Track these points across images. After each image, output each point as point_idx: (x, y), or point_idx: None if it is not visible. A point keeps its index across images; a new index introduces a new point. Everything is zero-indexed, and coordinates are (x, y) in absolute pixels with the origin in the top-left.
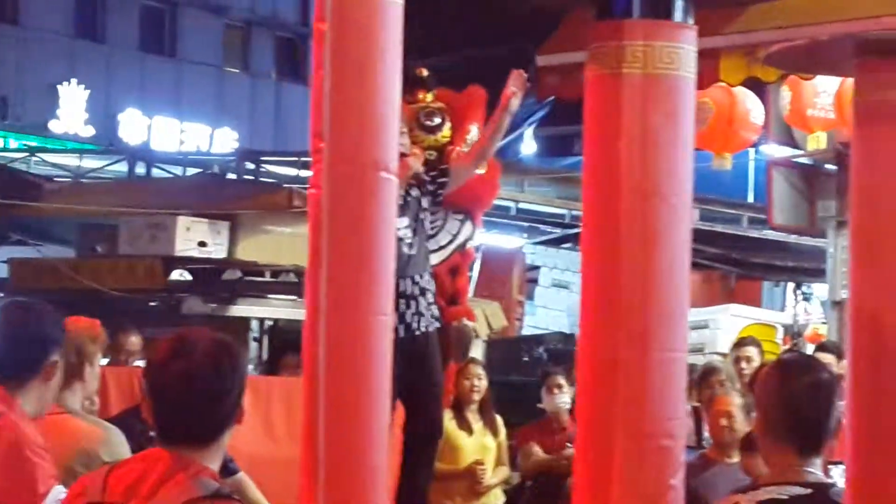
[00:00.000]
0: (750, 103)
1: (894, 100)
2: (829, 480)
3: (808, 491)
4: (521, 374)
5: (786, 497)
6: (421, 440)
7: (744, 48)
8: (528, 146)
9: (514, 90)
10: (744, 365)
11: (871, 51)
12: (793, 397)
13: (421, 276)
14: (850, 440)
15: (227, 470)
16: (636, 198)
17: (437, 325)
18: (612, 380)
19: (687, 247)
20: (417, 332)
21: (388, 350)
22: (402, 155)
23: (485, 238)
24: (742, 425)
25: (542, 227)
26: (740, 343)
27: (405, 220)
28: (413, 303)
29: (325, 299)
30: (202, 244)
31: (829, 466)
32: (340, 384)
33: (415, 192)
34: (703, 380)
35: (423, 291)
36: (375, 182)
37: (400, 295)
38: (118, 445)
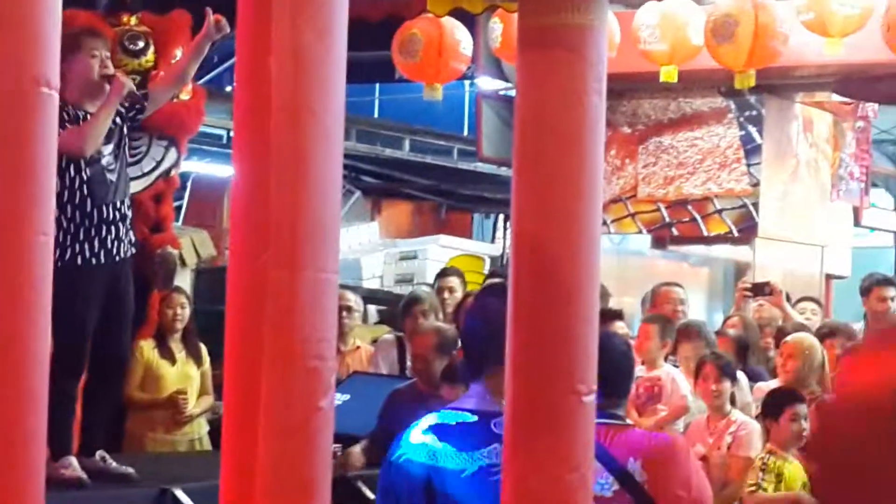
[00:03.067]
0: (459, 34)
1: (554, 24)
2: (496, 409)
3: (475, 418)
4: None
5: (453, 423)
6: (108, 366)
7: None
8: None
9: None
10: (446, 295)
11: None
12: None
13: (122, 203)
14: (509, 361)
15: None
16: (286, 115)
17: (134, 250)
18: (261, 301)
19: (338, 165)
20: (117, 258)
21: (49, 270)
22: (110, 77)
23: (196, 166)
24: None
25: None
26: (443, 273)
27: (109, 147)
28: (113, 228)
29: None
30: None
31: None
32: None
33: (117, 120)
34: (406, 309)
35: (123, 218)
36: (36, 98)
37: (102, 221)
38: None
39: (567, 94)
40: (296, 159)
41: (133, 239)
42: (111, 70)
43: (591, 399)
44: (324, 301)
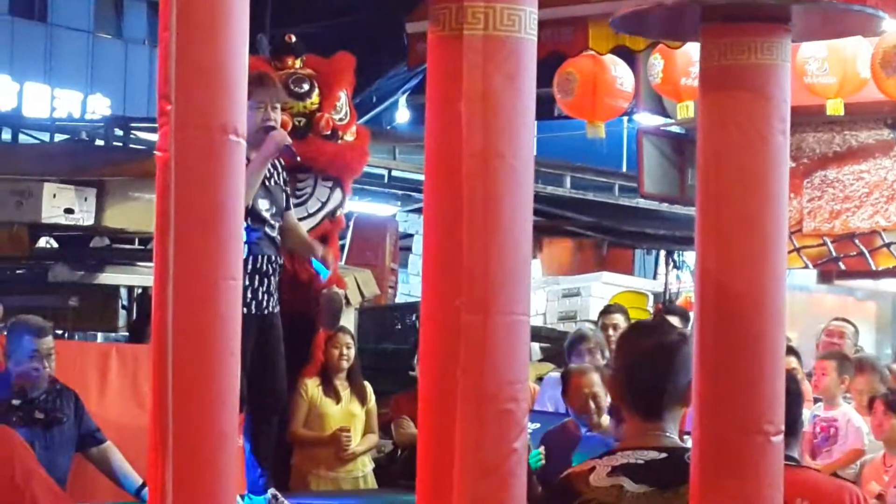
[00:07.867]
0: (618, 71)
1: (738, 65)
2: (684, 445)
3: (664, 455)
4: (393, 342)
5: (641, 462)
6: (266, 408)
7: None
8: (402, 114)
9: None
10: (611, 332)
11: (716, 16)
12: (630, 361)
13: (277, 258)
14: (695, 402)
15: (94, 439)
16: (477, 160)
17: (278, 308)
18: (454, 345)
19: (529, 209)
20: (266, 311)
21: (238, 314)
22: (270, 129)
23: (358, 206)
24: (605, 397)
25: (415, 194)
26: (607, 310)
27: (265, 203)
28: (266, 281)
29: (174, 264)
30: (69, 211)
31: (685, 437)
32: (189, 349)
33: (282, 184)
34: (572, 347)
35: (275, 272)
36: (223, 145)
37: (255, 271)
38: None
39: (750, 134)
40: (487, 203)
41: (277, 297)
42: (272, 122)
43: (779, 439)
44: (516, 343)
